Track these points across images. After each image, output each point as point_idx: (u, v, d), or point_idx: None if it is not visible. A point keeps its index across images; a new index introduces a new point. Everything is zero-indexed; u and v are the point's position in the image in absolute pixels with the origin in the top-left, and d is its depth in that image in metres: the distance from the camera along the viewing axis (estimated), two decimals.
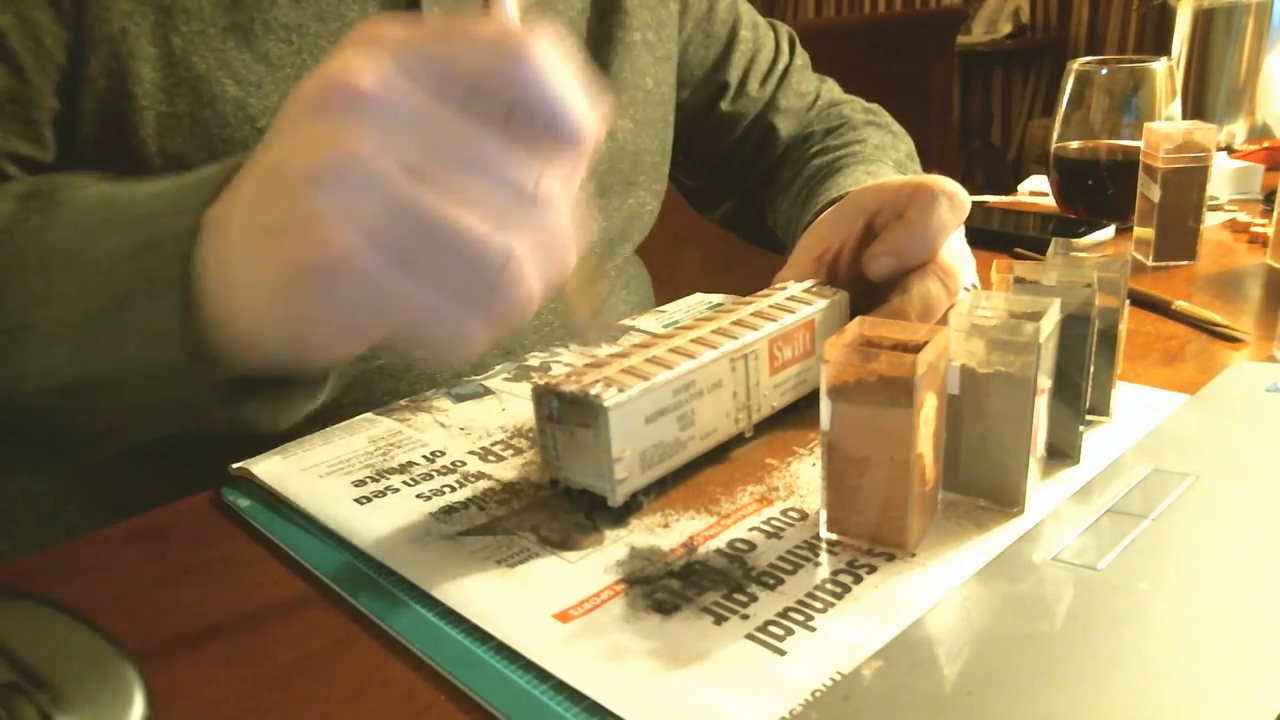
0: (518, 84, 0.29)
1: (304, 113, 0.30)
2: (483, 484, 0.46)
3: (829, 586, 0.36)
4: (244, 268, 0.31)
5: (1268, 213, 0.86)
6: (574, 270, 0.32)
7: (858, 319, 0.39)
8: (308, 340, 0.31)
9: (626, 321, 0.68)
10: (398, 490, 0.46)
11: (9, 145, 0.51)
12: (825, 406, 0.37)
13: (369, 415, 0.54)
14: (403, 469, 0.48)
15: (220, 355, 0.33)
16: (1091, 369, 0.44)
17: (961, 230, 0.53)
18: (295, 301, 0.29)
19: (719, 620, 0.35)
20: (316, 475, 0.47)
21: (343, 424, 0.53)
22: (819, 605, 0.35)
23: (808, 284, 0.53)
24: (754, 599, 0.36)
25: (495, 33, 0.29)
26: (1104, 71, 0.89)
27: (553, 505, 0.43)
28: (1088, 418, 0.46)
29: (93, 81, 0.52)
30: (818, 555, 0.38)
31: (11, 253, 0.36)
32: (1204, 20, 1.26)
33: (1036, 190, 1.09)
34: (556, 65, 0.29)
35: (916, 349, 0.36)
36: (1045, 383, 0.40)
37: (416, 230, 0.28)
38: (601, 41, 0.70)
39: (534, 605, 0.36)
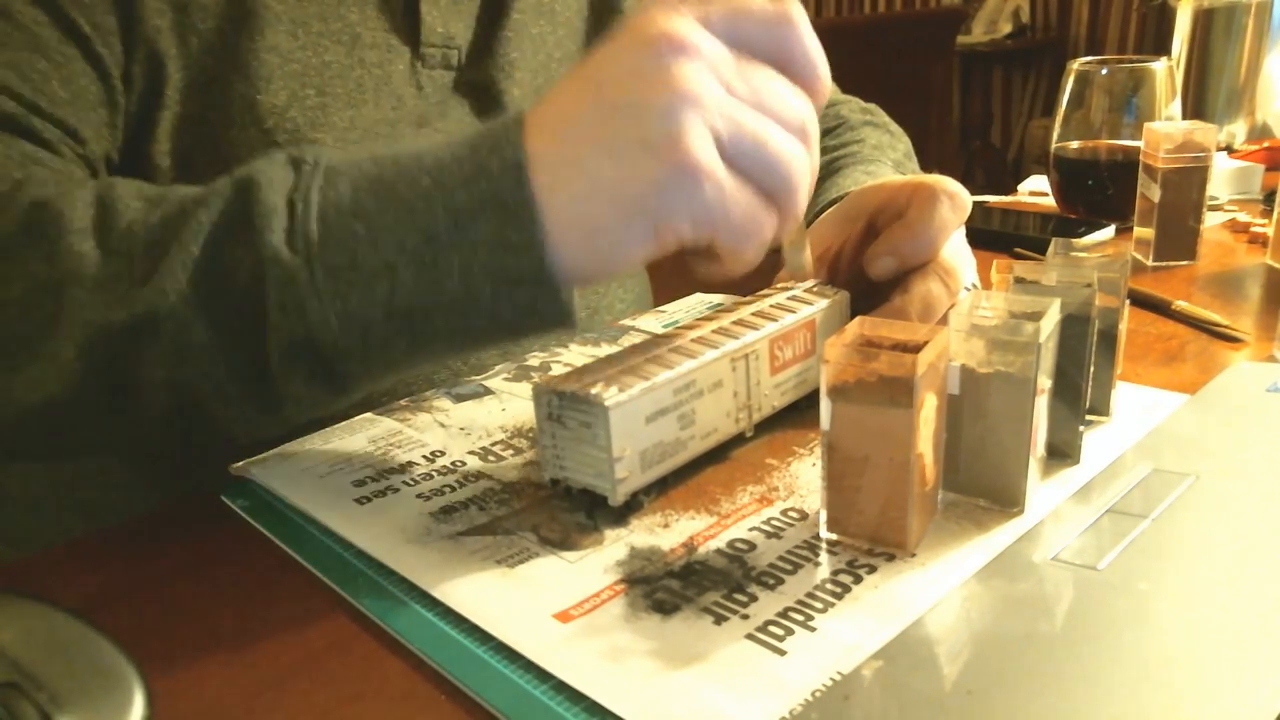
0: (787, 46, 0.39)
1: (638, 59, 0.37)
2: (483, 484, 0.46)
3: (829, 586, 0.36)
4: (601, 180, 0.37)
5: (1268, 213, 0.86)
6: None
7: (858, 319, 0.39)
8: (651, 234, 0.37)
9: (626, 321, 0.68)
10: (398, 490, 0.46)
11: (106, 148, 0.52)
12: (825, 406, 0.37)
13: (369, 415, 0.54)
14: (403, 469, 0.48)
15: (566, 264, 0.38)
16: (1091, 369, 0.44)
17: (962, 230, 0.53)
18: (663, 197, 0.36)
19: (719, 620, 0.35)
20: (316, 475, 0.47)
21: (343, 424, 0.53)
22: (819, 605, 0.35)
23: (809, 284, 0.53)
24: (754, 599, 0.36)
25: (771, 7, 0.39)
26: (1104, 71, 0.90)
27: (553, 505, 0.43)
28: (1088, 418, 0.46)
29: (136, 82, 0.53)
30: (818, 555, 0.38)
31: (314, 206, 0.38)
32: (1204, 20, 1.26)
33: (1036, 190, 1.09)
34: (811, 34, 0.39)
35: (916, 349, 0.36)
36: (1045, 383, 0.40)
37: (746, 143, 0.37)
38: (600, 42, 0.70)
39: (534, 605, 0.36)
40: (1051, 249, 0.49)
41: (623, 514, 0.42)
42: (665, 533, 0.41)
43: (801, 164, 0.38)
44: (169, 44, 0.53)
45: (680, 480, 0.45)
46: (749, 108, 0.37)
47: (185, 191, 0.41)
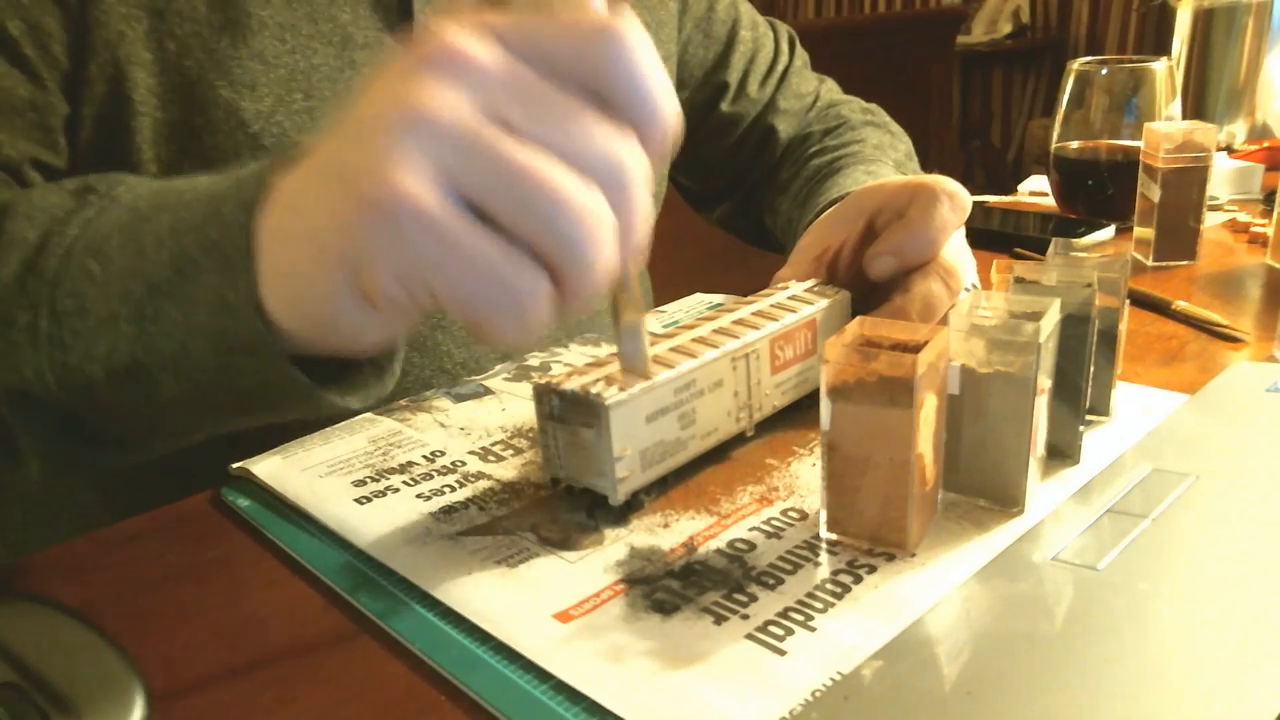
0: (609, 67, 0.29)
1: (392, 73, 0.29)
2: (483, 484, 0.46)
3: (829, 586, 0.36)
4: (302, 219, 0.30)
5: (1268, 213, 0.86)
6: (632, 262, 0.31)
7: (858, 319, 0.39)
8: (360, 292, 0.30)
9: None
10: (398, 490, 0.46)
11: (31, 152, 0.51)
12: (825, 406, 0.37)
13: (369, 415, 0.54)
14: (403, 469, 0.48)
15: (286, 328, 0.32)
16: (1091, 369, 0.44)
17: (962, 230, 0.53)
18: (355, 240, 0.28)
19: (719, 620, 0.35)
20: (316, 475, 0.47)
21: (342, 424, 0.53)
22: (819, 605, 0.35)
23: (809, 283, 0.53)
24: (754, 599, 0.36)
25: (590, 19, 0.29)
26: (1104, 71, 0.89)
27: (553, 505, 0.43)
28: (1088, 418, 0.46)
29: (92, 86, 0.52)
30: (818, 555, 0.38)
31: (66, 240, 0.35)
32: (1204, 20, 1.26)
33: (1036, 190, 1.09)
34: (647, 53, 0.29)
35: (916, 349, 0.36)
36: (1045, 383, 0.40)
37: (499, 178, 0.28)
38: None
39: (534, 605, 0.36)
40: (1051, 249, 0.49)
41: (623, 513, 0.42)
42: (665, 532, 0.41)
43: (592, 217, 0.28)
44: (139, 49, 0.52)
45: (680, 480, 0.45)
46: (519, 142, 0.28)
47: None
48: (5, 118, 0.49)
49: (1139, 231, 0.79)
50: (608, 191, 0.29)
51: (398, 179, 0.27)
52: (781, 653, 0.33)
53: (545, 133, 0.29)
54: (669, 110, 0.30)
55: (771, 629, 0.34)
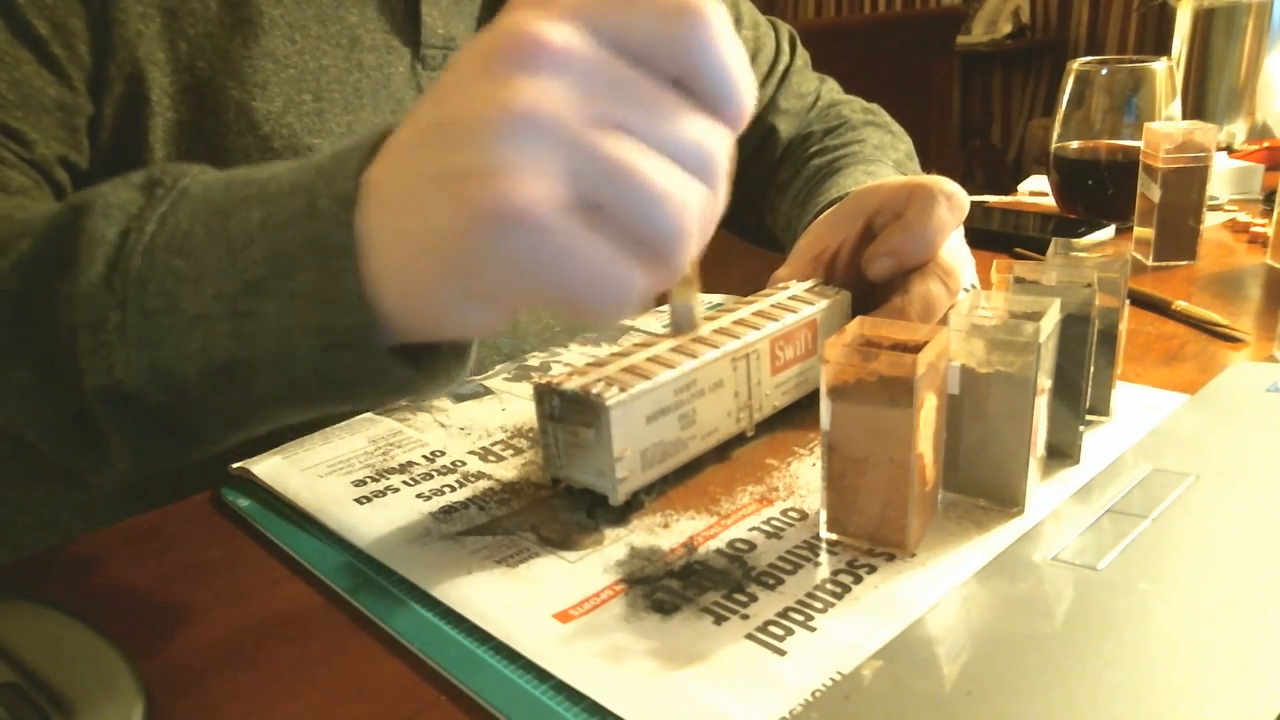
0: (692, 51, 0.29)
1: (481, 67, 0.29)
2: (483, 484, 0.46)
3: (829, 586, 0.36)
4: (413, 219, 0.30)
5: (1268, 213, 0.86)
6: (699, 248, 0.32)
7: (857, 319, 0.39)
8: (474, 293, 0.30)
9: (626, 321, 0.68)
10: (398, 490, 0.46)
11: (60, 151, 0.51)
12: (825, 406, 0.37)
13: (369, 415, 0.54)
14: (403, 469, 0.48)
15: (388, 318, 0.32)
16: (1091, 369, 0.44)
17: (961, 230, 0.53)
18: (470, 249, 0.29)
19: (719, 620, 0.35)
20: (316, 475, 0.47)
21: (342, 424, 0.53)
22: (819, 605, 0.35)
23: (810, 283, 0.53)
24: (754, 599, 0.36)
25: (671, 2, 0.29)
26: (1104, 71, 0.89)
27: (553, 505, 0.43)
28: (1088, 418, 0.46)
29: (111, 85, 0.52)
30: (818, 555, 0.38)
31: (146, 237, 0.34)
32: (1204, 20, 1.26)
33: (1036, 190, 1.09)
34: (729, 36, 0.29)
35: (916, 349, 0.36)
36: (1045, 383, 0.40)
37: (602, 178, 0.28)
38: None
39: (534, 605, 0.36)
40: (1051, 249, 0.49)
41: (623, 513, 0.42)
42: (665, 533, 0.41)
43: (689, 209, 0.29)
44: (154, 49, 0.52)
45: (680, 480, 0.45)
46: (622, 135, 0.29)
47: (36, 213, 0.38)
48: (36, 117, 0.50)
49: (1139, 231, 0.79)
50: (698, 178, 0.30)
51: (510, 185, 0.27)
52: (781, 653, 0.33)
53: (640, 124, 0.29)
54: (749, 95, 0.30)
55: (771, 629, 0.34)
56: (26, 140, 0.49)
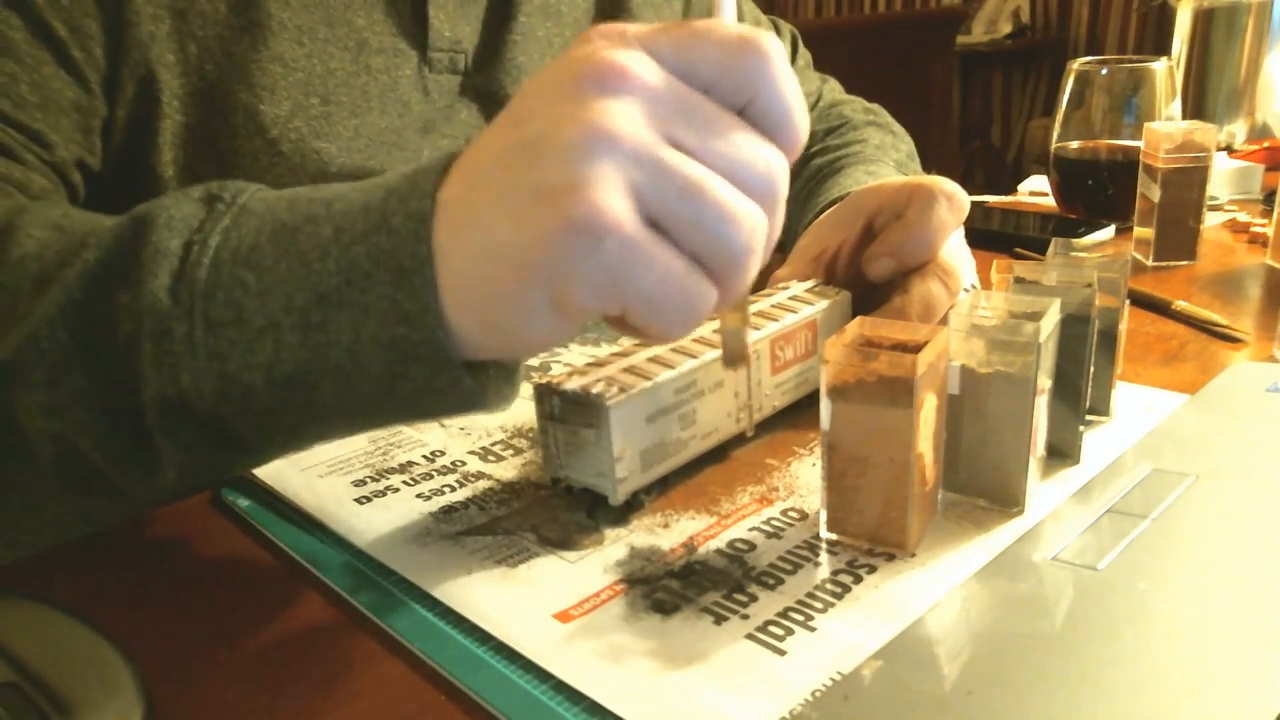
0: (754, 82, 0.31)
1: (562, 91, 0.31)
2: (483, 484, 0.46)
3: (829, 586, 0.36)
4: (500, 234, 0.31)
5: (1268, 213, 0.86)
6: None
7: (858, 319, 0.39)
8: (554, 304, 0.31)
9: None
10: (398, 490, 0.46)
11: (77, 153, 0.51)
12: (825, 406, 0.37)
13: None
14: (403, 469, 0.48)
15: (458, 333, 0.33)
16: (1091, 369, 0.44)
17: (961, 230, 0.53)
18: (561, 260, 0.30)
19: (719, 620, 0.35)
20: (316, 475, 0.47)
21: None
22: (819, 605, 0.35)
23: (809, 284, 0.53)
24: (754, 599, 0.36)
25: (736, 34, 0.31)
26: (1104, 71, 0.90)
27: (553, 505, 0.43)
28: (1088, 418, 0.46)
29: (124, 88, 0.52)
30: (818, 555, 0.38)
31: (210, 250, 0.34)
32: (1204, 20, 1.26)
33: (1036, 190, 1.09)
34: (787, 69, 0.32)
35: (916, 349, 0.36)
36: (1045, 383, 0.40)
37: (680, 196, 0.30)
38: None
39: (534, 605, 0.36)
40: (1051, 249, 0.49)
41: (623, 514, 0.42)
42: (665, 533, 0.41)
43: (755, 231, 0.31)
44: (165, 51, 0.52)
45: (680, 480, 0.45)
46: (690, 157, 0.30)
47: (96, 223, 0.38)
48: (55, 118, 0.50)
49: (1139, 231, 0.79)
50: (761, 202, 0.31)
51: (599, 199, 0.29)
52: (781, 653, 0.33)
53: (709, 148, 0.31)
54: (805, 125, 0.33)
55: (771, 629, 0.34)
56: (48, 142, 0.50)
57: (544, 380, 0.42)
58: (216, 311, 0.34)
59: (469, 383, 0.33)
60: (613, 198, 0.29)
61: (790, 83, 0.32)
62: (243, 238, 0.34)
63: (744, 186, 0.31)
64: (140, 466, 0.37)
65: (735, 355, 0.37)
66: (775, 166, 0.32)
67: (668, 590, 0.37)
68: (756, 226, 0.31)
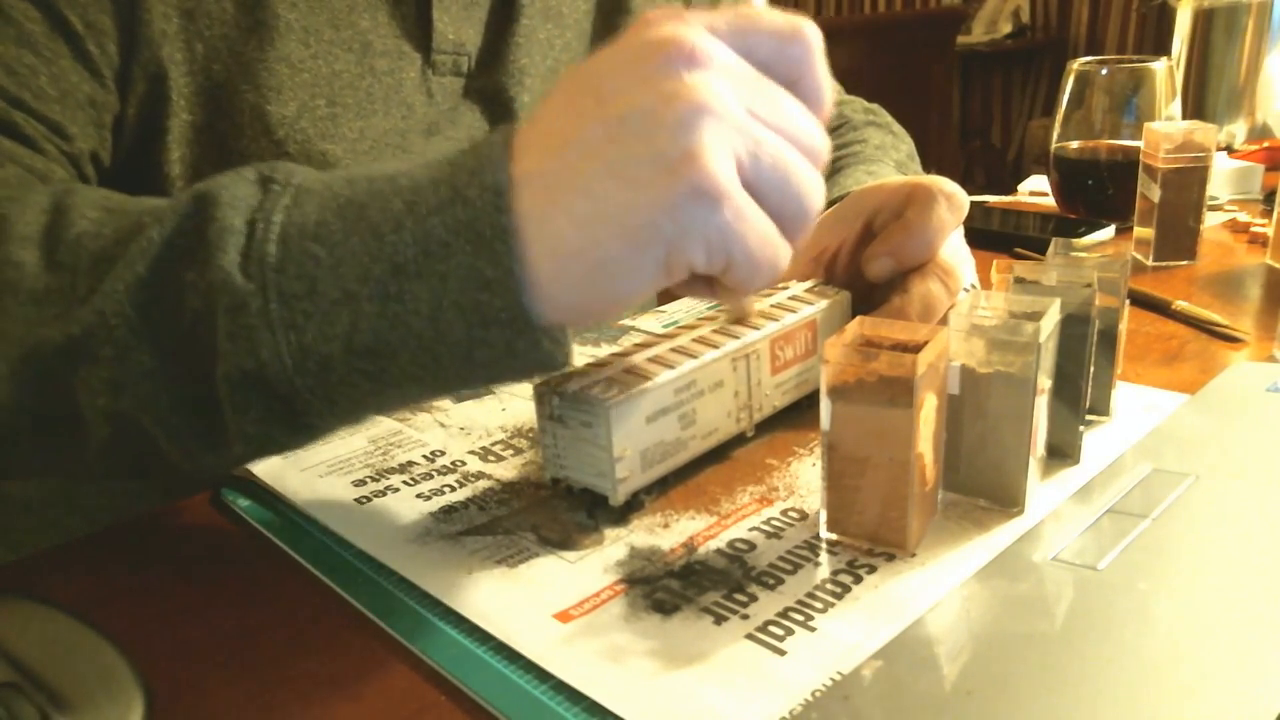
0: (800, 63, 0.36)
1: (648, 68, 0.33)
2: (483, 484, 0.46)
3: (829, 586, 0.36)
4: (609, 201, 0.33)
5: (1268, 213, 0.86)
6: None
7: (857, 319, 0.39)
8: (669, 267, 0.34)
9: (627, 321, 0.68)
10: (398, 490, 0.46)
11: (92, 146, 0.52)
12: (825, 406, 0.37)
13: None
14: (403, 469, 0.48)
15: (539, 298, 0.34)
16: (1091, 369, 0.44)
17: (961, 230, 0.53)
18: (678, 224, 0.33)
19: (719, 620, 0.35)
20: (316, 475, 0.47)
21: None
22: (819, 605, 0.35)
23: (809, 283, 0.53)
24: (754, 599, 0.36)
25: (786, 20, 0.36)
26: (1104, 71, 0.90)
27: (553, 505, 0.43)
28: (1088, 418, 0.46)
29: (135, 85, 0.52)
30: (818, 555, 0.38)
31: (275, 227, 0.35)
32: (1204, 20, 1.26)
33: (1036, 190, 1.09)
34: (823, 55, 0.37)
35: (916, 349, 0.36)
36: (1045, 383, 0.40)
37: (773, 165, 0.34)
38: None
39: (534, 605, 0.36)
40: (1051, 249, 0.49)
41: (623, 514, 0.42)
42: (665, 533, 0.41)
43: (819, 194, 0.35)
44: (174, 50, 0.52)
45: (680, 480, 0.45)
46: (768, 126, 0.34)
47: (147, 204, 0.39)
48: (72, 111, 0.50)
49: (1139, 231, 0.79)
50: (815, 164, 0.36)
51: (716, 166, 0.32)
52: (781, 653, 0.33)
53: (778, 119, 0.34)
54: (832, 103, 0.37)
55: (771, 629, 0.34)
56: (67, 134, 0.50)
57: (544, 380, 0.42)
58: (289, 285, 0.34)
59: (546, 344, 0.35)
60: (726, 165, 0.32)
61: (825, 69, 0.37)
62: (306, 215, 0.35)
63: (804, 154, 0.35)
64: (205, 442, 0.37)
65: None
66: (823, 139, 0.36)
67: (668, 590, 0.37)
68: (819, 190, 0.35)
